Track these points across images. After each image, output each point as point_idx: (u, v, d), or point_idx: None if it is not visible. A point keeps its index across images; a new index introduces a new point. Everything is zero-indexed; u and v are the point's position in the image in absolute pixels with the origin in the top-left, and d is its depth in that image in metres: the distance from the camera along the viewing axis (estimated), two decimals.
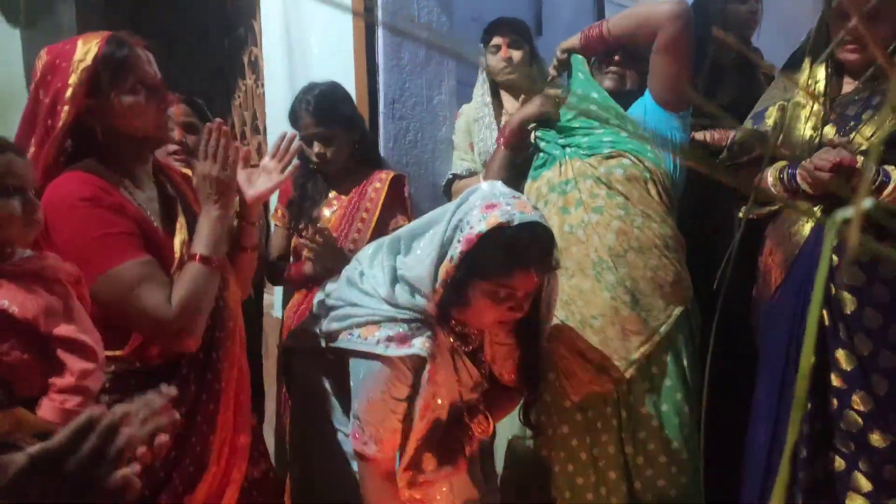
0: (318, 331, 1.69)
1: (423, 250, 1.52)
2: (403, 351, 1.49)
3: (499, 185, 1.54)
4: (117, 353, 1.42)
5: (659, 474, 2.00)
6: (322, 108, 2.20)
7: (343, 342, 1.56)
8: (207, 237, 1.46)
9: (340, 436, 1.70)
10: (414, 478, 1.61)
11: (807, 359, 0.58)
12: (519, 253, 1.43)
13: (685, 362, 2.02)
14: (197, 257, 1.43)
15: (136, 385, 1.42)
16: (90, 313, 1.37)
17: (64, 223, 1.38)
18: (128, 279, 1.38)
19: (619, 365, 1.95)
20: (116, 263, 1.38)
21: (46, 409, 1.34)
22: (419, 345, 1.49)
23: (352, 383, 1.56)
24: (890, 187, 1.84)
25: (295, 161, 1.80)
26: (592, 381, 1.96)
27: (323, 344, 1.69)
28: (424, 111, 2.96)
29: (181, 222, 1.51)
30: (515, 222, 1.42)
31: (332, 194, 2.32)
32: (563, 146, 2.10)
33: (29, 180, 1.32)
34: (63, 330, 1.30)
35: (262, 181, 1.72)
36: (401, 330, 1.49)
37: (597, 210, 2.00)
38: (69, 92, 1.41)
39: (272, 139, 2.44)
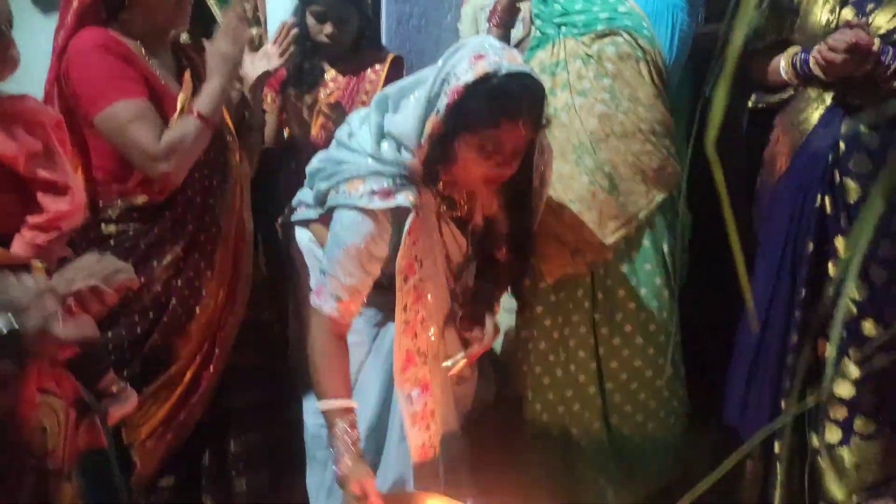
0: (311, 201, 1.69)
1: (411, 106, 1.48)
2: (387, 203, 1.46)
3: (490, 39, 1.50)
4: (125, 185, 1.63)
5: (635, 354, 2.04)
6: None
7: (330, 200, 1.54)
8: (207, 100, 1.64)
9: None
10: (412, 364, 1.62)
11: None
12: (506, 103, 1.39)
13: (665, 248, 2.02)
14: (195, 113, 1.61)
15: (138, 218, 1.63)
16: (103, 149, 1.58)
17: (78, 66, 1.59)
18: (125, 115, 1.58)
19: (593, 249, 1.96)
20: (117, 100, 1.58)
21: (17, 243, 1.39)
22: (403, 198, 1.47)
23: (329, 236, 1.55)
24: None
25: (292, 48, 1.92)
26: (567, 263, 1.98)
27: (315, 215, 1.69)
28: None
29: (187, 80, 1.68)
30: (503, 72, 1.38)
31: (329, 76, 2.30)
32: (559, 25, 2.04)
33: (3, 17, 1.32)
34: (43, 172, 1.32)
35: (263, 64, 1.87)
36: (385, 184, 1.47)
37: (582, 93, 1.97)
38: None
39: (272, 30, 2.40)
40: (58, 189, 1.39)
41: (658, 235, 2.01)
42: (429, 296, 1.60)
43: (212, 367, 1.69)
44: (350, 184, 1.51)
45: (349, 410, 1.49)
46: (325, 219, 1.63)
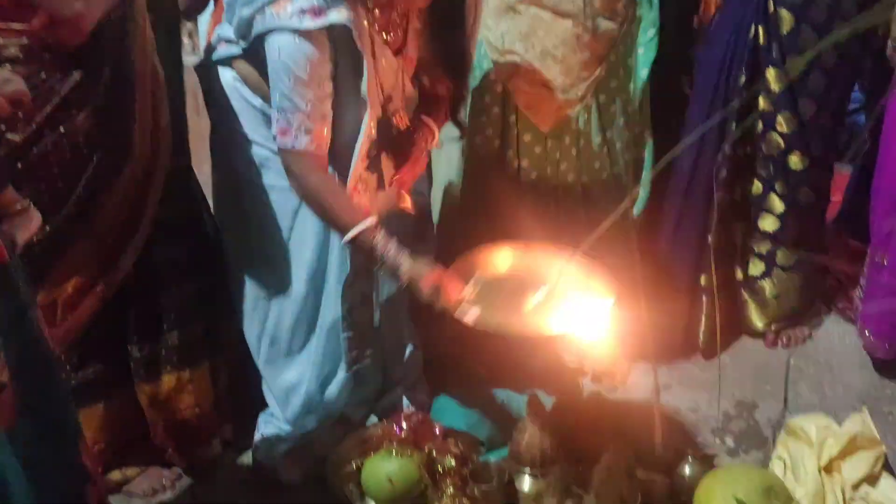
0: (232, 35, 1.60)
1: None
2: (320, 22, 1.39)
3: None
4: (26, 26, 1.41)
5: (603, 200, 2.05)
6: None
7: (256, 26, 1.46)
8: None
9: (254, 147, 1.67)
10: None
11: None
12: None
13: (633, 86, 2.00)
14: None
15: (49, 59, 1.44)
16: None
17: None
18: None
19: (580, 86, 1.92)
20: None
21: None
22: (335, 14, 1.40)
23: (269, 68, 1.47)
24: None
25: None
26: (560, 106, 1.95)
27: (239, 50, 1.61)
28: None
29: None
30: None
31: None
32: None
33: None
34: None
35: None
36: (315, 2, 1.40)
37: None
38: None
39: None
40: None
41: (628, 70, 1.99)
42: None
43: (142, 221, 1.62)
44: (276, 4, 1.41)
45: (374, 227, 1.49)
46: (253, 52, 1.54)
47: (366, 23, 1.47)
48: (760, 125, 2.01)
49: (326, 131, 1.51)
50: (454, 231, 2.13)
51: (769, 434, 1.90)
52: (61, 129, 1.47)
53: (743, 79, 1.95)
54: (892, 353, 2.02)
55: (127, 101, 1.54)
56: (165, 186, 1.64)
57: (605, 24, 1.88)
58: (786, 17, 1.91)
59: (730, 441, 1.90)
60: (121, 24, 1.52)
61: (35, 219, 1.23)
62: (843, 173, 2.43)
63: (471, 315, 1.44)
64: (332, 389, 1.81)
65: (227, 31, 1.63)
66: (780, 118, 1.98)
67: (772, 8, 1.91)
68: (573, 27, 1.86)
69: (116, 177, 1.56)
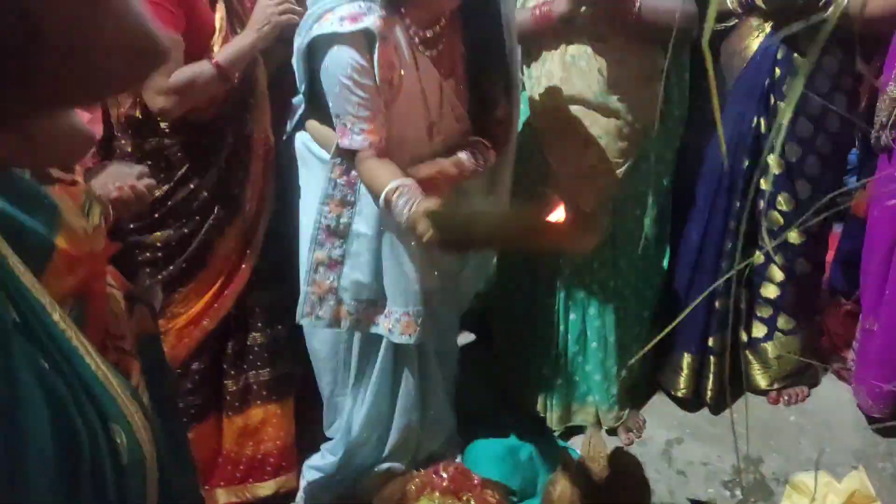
0: (300, 84, 1.74)
1: None
2: (355, 26, 1.50)
3: None
4: None
5: (633, 271, 2.24)
6: None
7: (307, 39, 1.59)
8: (232, 51, 1.68)
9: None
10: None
11: None
12: None
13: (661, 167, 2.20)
14: (214, 61, 1.65)
15: (187, 132, 1.74)
16: None
17: None
18: None
19: (618, 171, 2.09)
20: None
21: None
22: (369, 21, 1.51)
23: (322, 82, 1.59)
24: (833, 5, 1.97)
25: None
26: (601, 188, 2.11)
27: (305, 102, 1.75)
28: None
29: (220, 6, 1.73)
30: None
31: None
32: None
33: None
34: None
35: None
36: (353, 9, 1.52)
37: (599, 38, 2.00)
38: None
39: None
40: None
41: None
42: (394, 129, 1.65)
43: (244, 266, 1.87)
44: (322, 19, 1.56)
45: (409, 185, 1.54)
46: (316, 98, 1.66)
47: (401, 34, 1.59)
48: (762, 203, 2.23)
49: (380, 127, 1.60)
50: None
51: (775, 488, 2.07)
52: (191, 186, 1.75)
53: (746, 163, 2.18)
54: (884, 412, 2.21)
55: (244, 164, 1.82)
56: (265, 238, 1.89)
57: (643, 117, 2.06)
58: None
59: (740, 494, 2.07)
60: (243, 100, 1.80)
61: (158, 295, 1.43)
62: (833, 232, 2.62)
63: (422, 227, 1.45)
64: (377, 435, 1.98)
65: (298, 98, 1.82)
66: (779, 198, 2.21)
67: (772, 101, 2.15)
68: (616, 122, 2.04)
69: (229, 225, 1.83)
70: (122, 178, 1.25)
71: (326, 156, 1.72)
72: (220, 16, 1.71)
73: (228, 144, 1.78)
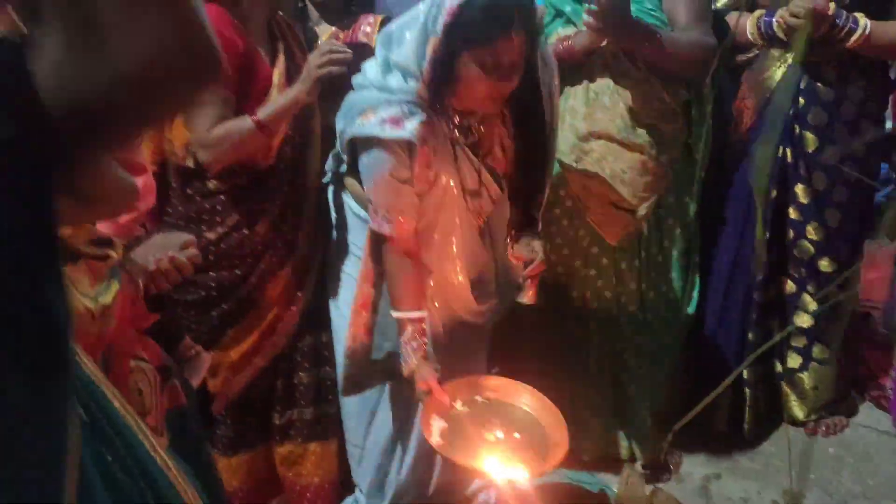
0: (339, 149, 1.80)
1: (412, 34, 1.58)
2: (397, 133, 1.55)
3: None
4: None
5: (662, 304, 2.23)
6: None
7: (348, 133, 1.65)
8: (273, 108, 1.72)
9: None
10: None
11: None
12: (498, 16, 1.47)
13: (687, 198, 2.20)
14: (254, 118, 1.70)
15: (246, 177, 1.80)
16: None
17: None
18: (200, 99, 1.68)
19: (644, 206, 2.09)
20: None
21: (102, 223, 1.52)
22: (410, 128, 1.55)
23: (360, 168, 1.68)
24: (857, 34, 1.98)
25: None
26: (627, 224, 2.11)
27: (345, 167, 1.80)
28: None
29: (280, 61, 1.80)
30: None
31: (323, 34, 2.37)
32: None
33: None
34: (126, 154, 1.44)
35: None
36: (395, 112, 1.55)
37: (622, 74, 2.02)
38: None
39: None
40: (136, 169, 1.50)
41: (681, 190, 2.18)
42: (435, 235, 1.71)
43: (294, 308, 1.92)
44: (364, 115, 1.61)
45: (418, 320, 1.65)
46: (354, 164, 1.72)
47: (441, 128, 1.64)
48: (792, 233, 2.22)
49: (408, 222, 1.66)
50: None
51: None
52: (245, 231, 1.81)
53: (774, 193, 2.17)
54: None
55: (298, 209, 1.88)
56: (316, 280, 1.93)
57: (667, 151, 2.08)
58: (810, 138, 2.14)
59: None
60: (300, 150, 1.85)
61: (206, 360, 1.43)
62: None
63: (433, 439, 1.52)
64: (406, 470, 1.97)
65: (335, 151, 1.86)
66: (808, 227, 2.19)
67: (797, 130, 2.15)
68: (640, 156, 2.05)
69: (281, 270, 1.88)
70: (163, 249, 1.27)
71: (363, 213, 1.76)
72: (279, 71, 1.78)
73: (283, 192, 1.85)
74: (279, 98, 1.73)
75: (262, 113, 1.71)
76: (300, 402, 1.96)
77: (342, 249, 1.88)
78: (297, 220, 1.88)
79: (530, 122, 1.74)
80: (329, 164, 1.89)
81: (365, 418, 1.96)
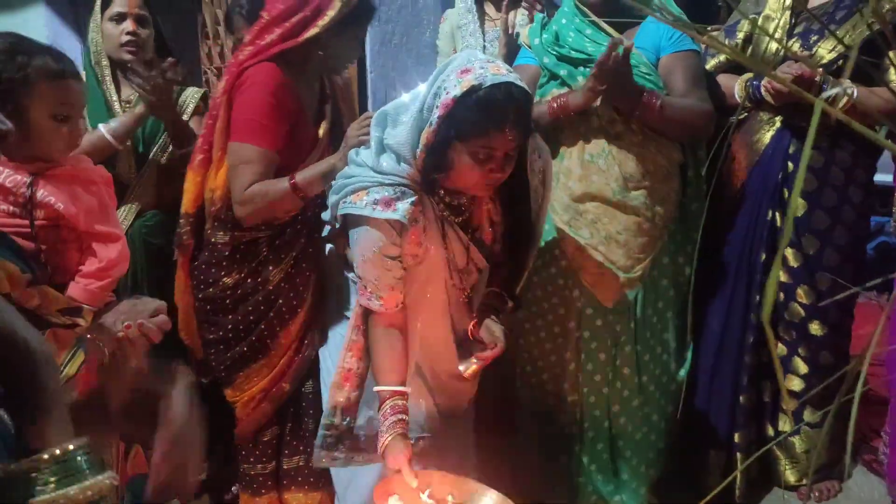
0: (329, 217, 1.81)
1: (407, 120, 1.59)
2: (388, 214, 1.56)
3: (476, 53, 1.59)
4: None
5: (657, 366, 2.20)
6: None
7: (340, 210, 1.66)
8: (311, 172, 1.82)
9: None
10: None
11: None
12: (492, 112, 1.47)
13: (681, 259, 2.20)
14: (292, 181, 1.80)
15: (266, 230, 1.90)
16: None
17: (245, 95, 1.81)
18: (242, 155, 1.81)
19: (639, 267, 2.10)
20: (246, 141, 1.81)
21: (74, 289, 1.53)
22: (402, 210, 1.56)
23: (350, 247, 1.70)
24: (844, 99, 1.98)
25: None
26: (623, 284, 2.11)
27: (337, 226, 1.80)
28: (409, 14, 3.00)
29: (327, 116, 1.94)
30: (487, 84, 1.48)
31: None
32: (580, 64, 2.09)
33: (80, 108, 1.46)
34: (99, 226, 1.46)
35: None
36: (386, 194, 1.57)
37: (616, 137, 2.04)
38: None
39: None
40: (110, 239, 1.53)
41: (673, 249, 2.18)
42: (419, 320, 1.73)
43: (302, 354, 1.97)
44: (356, 195, 1.62)
45: (398, 394, 1.62)
46: (344, 232, 1.74)
47: (431, 208, 1.65)
48: (782, 296, 2.21)
49: (397, 299, 1.67)
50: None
51: None
52: (259, 279, 1.88)
53: (763, 257, 2.17)
54: None
55: (312, 260, 1.95)
56: (324, 327, 1.98)
57: (662, 213, 2.09)
58: (800, 203, 2.14)
59: None
60: (320, 207, 1.88)
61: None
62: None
63: None
64: None
65: (327, 214, 1.86)
66: (799, 290, 2.18)
67: (786, 195, 2.14)
68: (636, 218, 2.06)
69: (293, 317, 1.94)
70: (132, 316, 1.25)
71: (353, 275, 1.77)
72: (323, 131, 1.90)
73: (301, 244, 1.93)
74: (319, 164, 1.82)
75: (300, 176, 1.80)
76: (306, 450, 2.00)
77: (336, 305, 1.94)
78: (311, 271, 1.95)
79: (518, 206, 1.75)
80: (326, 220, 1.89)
81: (345, 474, 1.94)
